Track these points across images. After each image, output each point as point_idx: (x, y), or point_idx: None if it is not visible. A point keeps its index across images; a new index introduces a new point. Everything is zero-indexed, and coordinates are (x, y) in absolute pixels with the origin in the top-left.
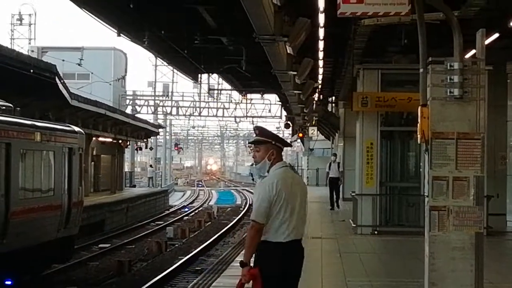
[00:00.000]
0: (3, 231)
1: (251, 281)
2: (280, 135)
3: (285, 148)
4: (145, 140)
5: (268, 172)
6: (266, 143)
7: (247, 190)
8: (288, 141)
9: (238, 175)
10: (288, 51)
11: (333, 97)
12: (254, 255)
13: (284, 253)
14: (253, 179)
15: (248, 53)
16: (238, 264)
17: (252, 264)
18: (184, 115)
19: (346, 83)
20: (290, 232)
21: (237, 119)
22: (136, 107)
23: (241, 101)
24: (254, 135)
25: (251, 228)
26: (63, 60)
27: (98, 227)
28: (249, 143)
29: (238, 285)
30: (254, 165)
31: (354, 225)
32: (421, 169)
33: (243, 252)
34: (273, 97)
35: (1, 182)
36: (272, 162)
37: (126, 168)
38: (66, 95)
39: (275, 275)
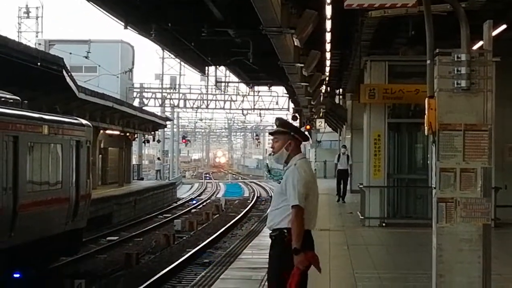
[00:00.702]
0: (11, 224)
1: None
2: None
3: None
4: (152, 132)
5: (285, 163)
6: (284, 134)
7: (255, 183)
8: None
9: (245, 167)
10: (295, 43)
11: (341, 89)
12: (273, 244)
13: (311, 241)
14: (269, 172)
15: (255, 46)
16: (246, 257)
17: (269, 252)
18: (192, 107)
19: (354, 75)
20: (314, 220)
21: (245, 112)
22: (144, 99)
23: (248, 93)
24: (275, 127)
25: (297, 214)
26: (70, 53)
27: (106, 220)
28: (269, 133)
29: (297, 274)
30: (271, 155)
31: (362, 217)
32: (428, 161)
33: (250, 243)
34: (280, 90)
35: (9, 175)
36: (290, 153)
37: (134, 161)
38: (74, 88)
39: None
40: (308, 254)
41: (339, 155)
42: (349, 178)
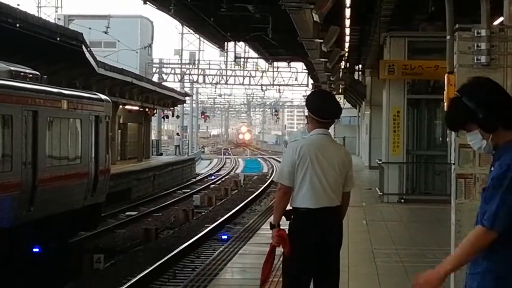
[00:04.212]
0: (31, 198)
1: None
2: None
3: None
4: (171, 108)
5: None
6: None
7: (274, 159)
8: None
9: (264, 143)
10: (315, 19)
11: (360, 65)
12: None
13: (316, 219)
14: None
15: (275, 21)
16: (264, 232)
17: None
18: (211, 83)
19: (373, 51)
20: (320, 199)
21: (264, 87)
22: (163, 75)
23: (268, 69)
24: None
25: (278, 190)
26: (90, 28)
27: (125, 195)
28: None
29: (270, 248)
30: None
31: (381, 193)
32: (447, 137)
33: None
34: (299, 65)
35: (28, 150)
36: (309, 130)
37: (153, 136)
38: (93, 63)
39: (307, 242)
40: (280, 232)
41: None
42: None
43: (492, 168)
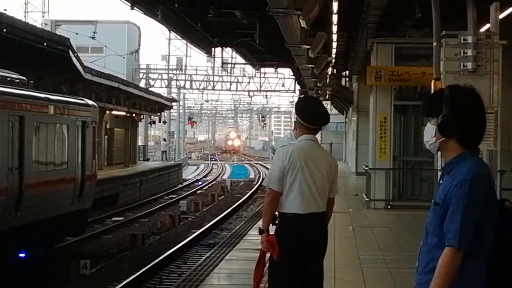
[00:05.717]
0: (17, 204)
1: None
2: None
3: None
4: (158, 114)
5: None
6: None
7: (261, 164)
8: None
9: (251, 149)
10: (302, 25)
11: (347, 71)
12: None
13: (303, 225)
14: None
15: (262, 27)
16: (251, 238)
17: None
18: (198, 89)
19: (360, 57)
20: (308, 204)
21: (251, 93)
22: (150, 80)
23: (255, 75)
24: None
25: (267, 195)
26: (77, 34)
27: (112, 200)
28: None
29: (260, 254)
30: None
31: (367, 200)
32: None
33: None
34: (286, 71)
35: (15, 156)
36: (296, 135)
37: (140, 141)
38: (80, 68)
39: (294, 247)
40: (270, 237)
41: None
42: None
43: (441, 181)
